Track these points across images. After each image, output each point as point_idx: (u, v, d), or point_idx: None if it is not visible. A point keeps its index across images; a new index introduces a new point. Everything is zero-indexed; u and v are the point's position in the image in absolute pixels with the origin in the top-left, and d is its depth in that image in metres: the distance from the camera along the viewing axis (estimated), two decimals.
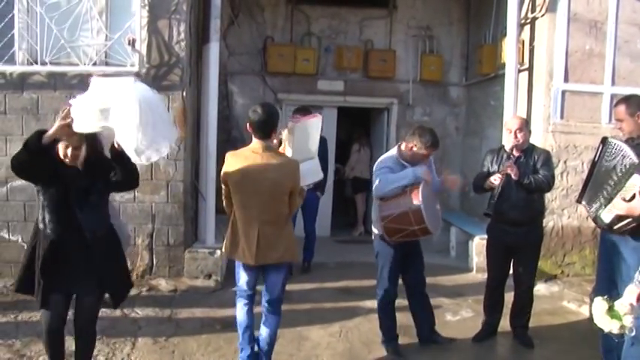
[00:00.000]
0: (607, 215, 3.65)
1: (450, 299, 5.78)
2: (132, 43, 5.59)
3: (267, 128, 3.69)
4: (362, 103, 8.96)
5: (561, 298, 5.83)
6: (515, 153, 4.43)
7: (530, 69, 6.66)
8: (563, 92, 6.41)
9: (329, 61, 8.66)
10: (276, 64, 8.26)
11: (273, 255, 3.74)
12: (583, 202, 4.03)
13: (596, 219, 3.82)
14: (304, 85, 8.48)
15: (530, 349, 4.57)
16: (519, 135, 4.41)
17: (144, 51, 5.74)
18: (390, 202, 4.13)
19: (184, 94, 5.92)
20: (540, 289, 5.85)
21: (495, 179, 4.35)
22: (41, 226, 3.40)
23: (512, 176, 4.30)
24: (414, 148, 4.24)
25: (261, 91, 8.49)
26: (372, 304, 5.44)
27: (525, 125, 4.53)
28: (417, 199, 3.99)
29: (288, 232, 3.84)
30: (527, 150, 4.50)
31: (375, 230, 4.45)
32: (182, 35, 5.88)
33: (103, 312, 5.02)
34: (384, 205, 4.18)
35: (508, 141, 4.49)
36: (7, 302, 5.24)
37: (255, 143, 3.72)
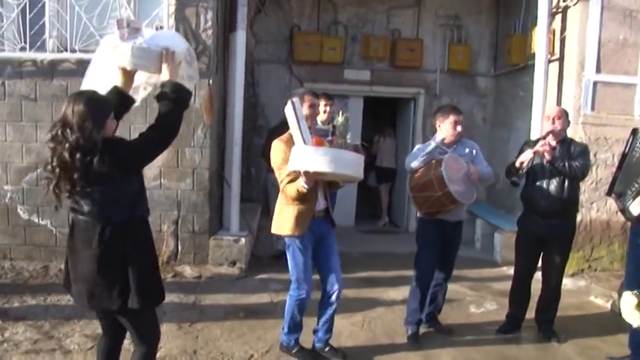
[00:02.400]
0: (636, 208, 3.58)
1: (474, 291, 5.75)
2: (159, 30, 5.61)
3: None
4: (389, 92, 8.90)
5: (588, 293, 5.74)
6: (552, 141, 4.36)
7: (560, 59, 6.53)
8: (595, 83, 6.27)
9: (356, 50, 8.61)
10: (303, 52, 8.24)
11: None
12: (613, 195, 3.97)
13: (624, 211, 3.76)
14: (330, 74, 8.44)
15: (555, 344, 4.51)
16: (557, 122, 4.38)
17: None
18: (418, 172, 4.28)
19: (211, 82, 5.95)
20: (567, 283, 5.75)
21: (527, 154, 4.34)
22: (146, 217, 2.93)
23: (546, 155, 4.27)
24: (440, 124, 4.38)
25: (288, 80, 8.47)
26: (396, 294, 5.47)
27: (565, 115, 4.47)
28: (439, 166, 4.10)
29: None
30: (565, 141, 4.45)
31: (418, 214, 4.51)
32: (209, 23, 5.90)
33: None
34: (412, 177, 4.34)
35: (546, 128, 4.46)
36: (36, 285, 5.36)
37: None
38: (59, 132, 2.59)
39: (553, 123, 4.38)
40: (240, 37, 6.29)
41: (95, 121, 2.59)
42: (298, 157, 3.47)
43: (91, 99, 2.65)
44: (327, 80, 8.38)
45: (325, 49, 8.23)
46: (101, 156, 2.56)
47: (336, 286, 3.92)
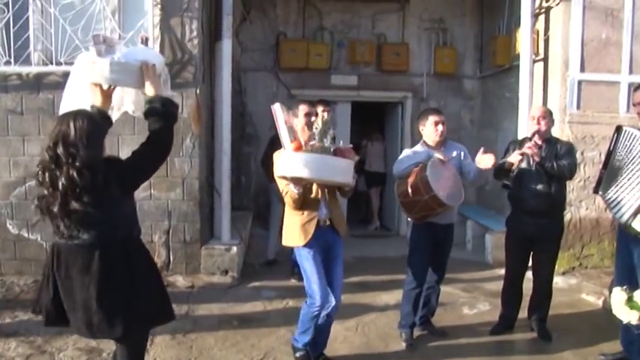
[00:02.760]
0: (638, 224, 3.62)
1: (467, 293, 5.77)
2: (145, 41, 5.58)
3: None
4: (376, 97, 8.94)
5: (579, 291, 5.77)
6: (538, 141, 4.39)
7: (545, 59, 6.59)
8: (580, 82, 6.32)
9: (342, 56, 8.65)
10: (289, 59, 8.27)
11: None
12: (600, 193, 4.00)
13: (627, 227, 3.78)
14: (318, 80, 8.46)
15: (548, 342, 4.53)
16: (542, 122, 4.41)
17: (157, 49, 5.76)
18: (405, 179, 4.27)
19: (198, 91, 5.94)
20: (558, 281, 5.79)
21: (515, 157, 4.36)
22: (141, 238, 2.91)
23: (534, 157, 4.29)
24: (423, 127, 4.43)
25: (275, 87, 8.49)
26: (389, 298, 5.48)
27: (549, 114, 4.51)
28: (424, 170, 4.10)
29: None
30: (550, 141, 4.48)
31: (409, 219, 4.52)
32: (195, 33, 5.89)
33: None
34: (400, 183, 4.33)
35: (531, 128, 4.48)
36: (28, 300, 5.31)
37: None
38: (61, 151, 2.50)
39: (538, 123, 4.41)
40: (226, 46, 6.29)
41: (98, 139, 2.58)
42: (280, 163, 3.51)
43: (91, 116, 2.64)
44: (315, 86, 8.40)
45: (311, 56, 8.26)
46: (105, 175, 2.53)
47: (333, 302, 3.82)
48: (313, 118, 3.74)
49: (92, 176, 2.49)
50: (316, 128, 3.53)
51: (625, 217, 3.70)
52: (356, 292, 5.68)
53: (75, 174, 2.48)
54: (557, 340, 4.55)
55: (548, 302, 4.65)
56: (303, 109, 3.86)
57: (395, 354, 4.34)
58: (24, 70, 5.76)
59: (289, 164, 3.40)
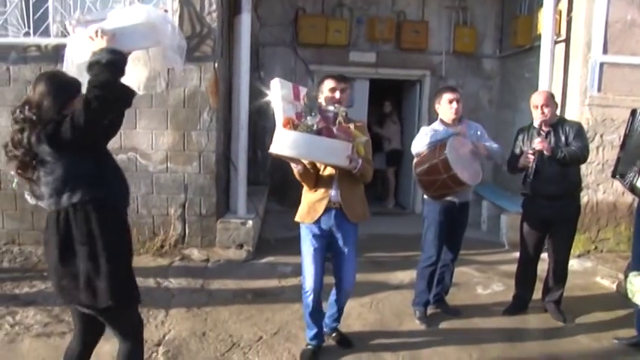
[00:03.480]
0: None
1: (481, 273, 5.77)
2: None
3: None
4: (394, 75, 8.85)
5: (594, 274, 5.75)
6: (545, 128, 4.34)
7: (567, 40, 6.49)
8: (602, 64, 6.22)
9: (361, 33, 8.56)
10: (308, 35, 8.21)
11: None
12: (617, 176, 3.97)
13: (633, 188, 3.76)
14: (336, 57, 8.39)
15: (561, 324, 4.52)
16: (546, 110, 4.32)
17: (176, 22, 5.73)
18: (424, 156, 4.25)
19: (216, 65, 5.93)
20: (573, 264, 5.77)
21: (528, 157, 4.31)
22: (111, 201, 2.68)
23: (545, 152, 4.24)
24: (438, 106, 4.41)
25: (293, 63, 8.44)
26: (403, 276, 5.50)
27: (551, 99, 4.41)
28: (443, 149, 4.08)
29: None
30: (558, 124, 4.41)
31: (425, 195, 4.49)
32: (214, 6, 5.87)
33: (138, 280, 5.17)
34: (418, 161, 4.31)
35: (536, 117, 4.41)
36: (45, 269, 5.37)
37: None
38: (21, 111, 2.51)
39: (542, 112, 4.32)
40: (245, 20, 6.26)
41: (56, 100, 2.51)
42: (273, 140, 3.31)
43: (52, 77, 2.59)
44: (333, 63, 8.34)
45: (330, 32, 8.19)
46: (43, 133, 2.46)
47: (338, 290, 3.86)
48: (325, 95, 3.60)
49: (48, 139, 2.45)
50: (305, 105, 3.35)
51: (632, 179, 3.68)
52: (370, 269, 5.70)
53: (32, 137, 2.47)
54: (570, 322, 4.55)
55: (563, 284, 4.63)
56: (328, 84, 3.67)
57: (408, 331, 4.36)
58: (43, 41, 5.78)
59: (275, 141, 3.24)
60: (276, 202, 7.88)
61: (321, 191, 3.65)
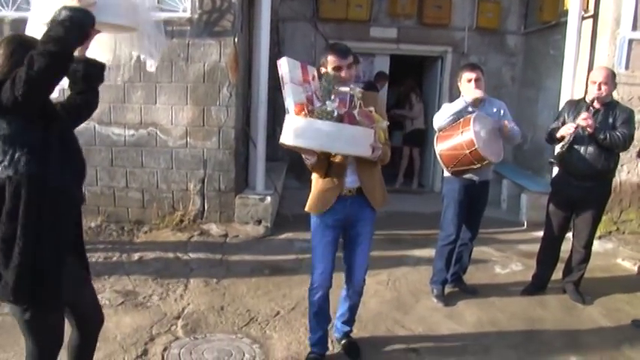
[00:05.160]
0: None
1: (500, 252, 5.73)
2: None
3: None
4: (415, 51, 8.76)
5: (615, 256, 5.69)
6: (596, 105, 4.23)
7: (594, 16, 6.32)
8: (630, 41, 6.06)
9: (382, 8, 8.45)
10: (328, 10, 8.13)
11: None
12: None
13: None
14: (356, 32, 8.30)
15: (580, 306, 4.49)
16: (603, 87, 4.19)
17: None
18: (446, 131, 4.22)
19: (236, 40, 5.90)
20: (594, 245, 5.70)
21: (569, 128, 4.22)
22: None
23: (587, 129, 4.14)
24: (461, 84, 4.34)
25: (313, 38, 8.38)
26: (421, 253, 5.49)
27: (611, 78, 4.26)
28: (467, 125, 4.04)
29: None
30: (610, 105, 4.28)
31: (445, 173, 4.45)
32: None
33: (157, 254, 5.24)
34: (440, 135, 4.28)
35: (591, 92, 4.27)
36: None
37: None
38: None
39: (599, 89, 4.19)
40: None
41: (9, 60, 2.25)
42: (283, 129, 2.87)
43: (9, 38, 2.37)
44: (353, 38, 8.22)
45: (351, 7, 8.11)
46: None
47: (348, 287, 3.52)
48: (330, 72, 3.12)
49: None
50: (323, 87, 2.92)
51: None
52: (388, 246, 5.70)
53: None
54: (589, 303, 4.52)
55: (584, 266, 4.58)
56: (331, 61, 3.17)
57: (425, 309, 4.36)
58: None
59: (286, 131, 2.79)
60: (294, 179, 7.87)
61: (333, 178, 3.22)
